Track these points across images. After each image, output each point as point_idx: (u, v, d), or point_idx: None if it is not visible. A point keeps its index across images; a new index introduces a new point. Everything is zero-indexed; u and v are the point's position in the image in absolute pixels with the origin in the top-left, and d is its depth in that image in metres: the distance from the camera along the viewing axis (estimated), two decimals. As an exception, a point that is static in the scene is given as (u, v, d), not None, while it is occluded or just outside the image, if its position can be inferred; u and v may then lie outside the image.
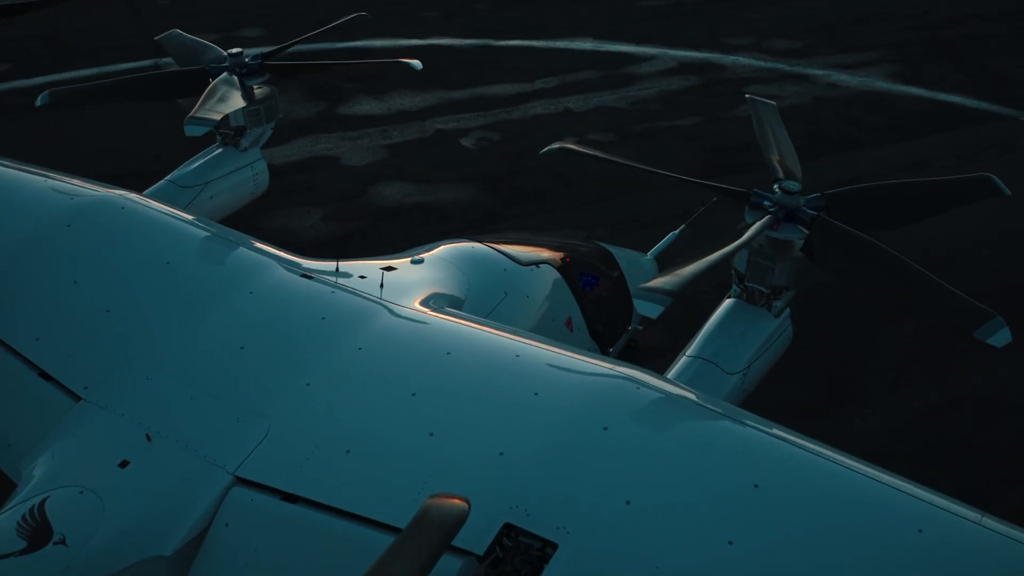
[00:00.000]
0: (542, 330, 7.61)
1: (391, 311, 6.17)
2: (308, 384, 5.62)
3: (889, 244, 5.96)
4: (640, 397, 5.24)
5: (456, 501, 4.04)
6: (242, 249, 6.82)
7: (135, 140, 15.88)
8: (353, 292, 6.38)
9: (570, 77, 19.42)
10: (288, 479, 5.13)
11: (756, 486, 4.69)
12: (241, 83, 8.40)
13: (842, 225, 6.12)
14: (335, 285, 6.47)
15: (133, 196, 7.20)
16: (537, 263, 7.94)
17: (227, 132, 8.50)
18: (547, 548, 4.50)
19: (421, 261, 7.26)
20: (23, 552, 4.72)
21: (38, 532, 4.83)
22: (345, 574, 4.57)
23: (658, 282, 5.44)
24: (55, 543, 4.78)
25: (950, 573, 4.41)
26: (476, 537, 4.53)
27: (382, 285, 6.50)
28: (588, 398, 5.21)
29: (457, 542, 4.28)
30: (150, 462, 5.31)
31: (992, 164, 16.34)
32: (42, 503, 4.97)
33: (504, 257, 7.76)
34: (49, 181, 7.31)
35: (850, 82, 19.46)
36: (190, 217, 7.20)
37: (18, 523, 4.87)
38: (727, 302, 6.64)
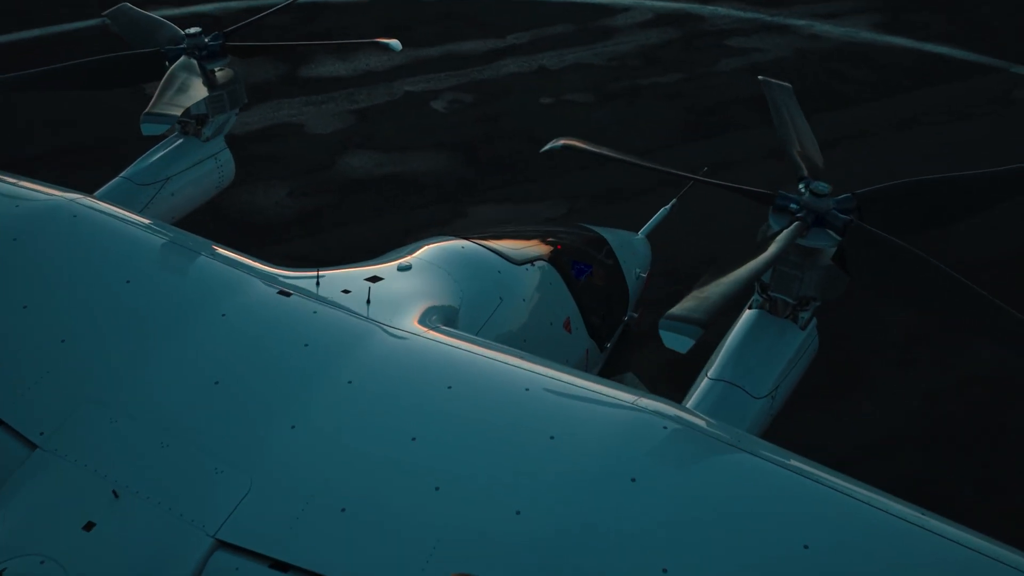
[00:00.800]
0: (541, 336, 7.13)
1: (381, 335, 5.57)
2: (293, 427, 5.04)
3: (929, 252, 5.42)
4: (669, 439, 4.70)
5: None
6: (212, 262, 6.16)
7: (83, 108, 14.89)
8: (337, 310, 5.76)
9: (544, 31, 18.64)
10: (276, 543, 4.60)
11: (806, 547, 4.21)
12: (201, 67, 7.63)
13: (880, 232, 5.55)
14: (317, 300, 5.83)
15: (86, 200, 6.48)
16: (531, 260, 7.37)
17: (187, 121, 7.73)
18: None
19: (408, 268, 6.66)
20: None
21: None
22: None
23: (684, 309, 4.86)
24: None
25: None
26: None
27: (368, 301, 5.88)
28: (611, 442, 4.68)
29: None
30: (119, 523, 4.78)
31: (989, 120, 15.88)
32: None
33: (496, 256, 7.19)
34: None
35: (833, 32, 18.85)
36: (152, 224, 6.52)
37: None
38: (749, 314, 6.05)
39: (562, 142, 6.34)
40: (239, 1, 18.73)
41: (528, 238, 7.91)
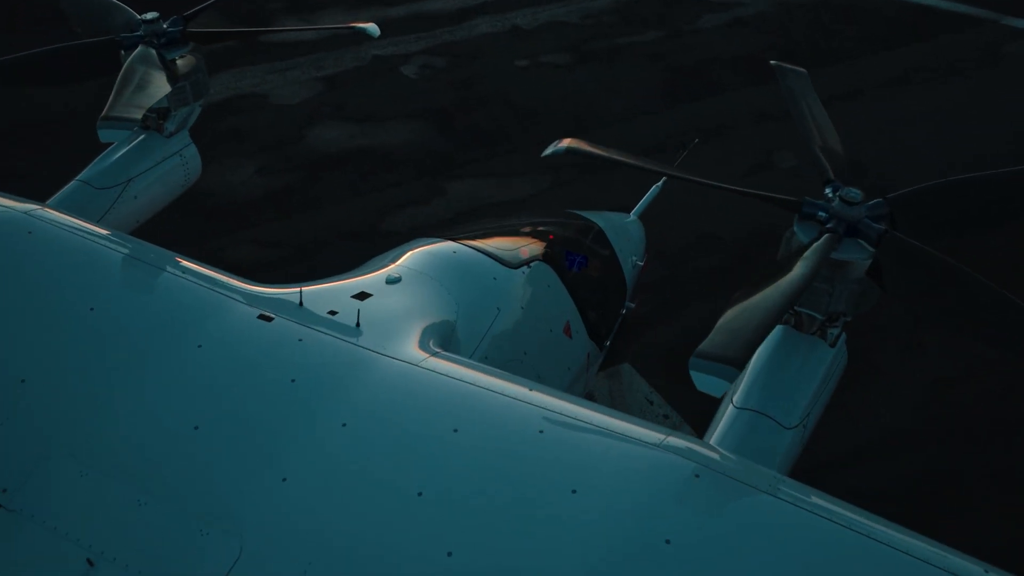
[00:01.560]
0: (542, 345, 6.67)
1: (376, 366, 5.04)
2: (284, 479, 4.52)
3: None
4: (702, 489, 4.24)
5: None
6: (185, 282, 5.57)
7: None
8: (325, 335, 5.23)
9: (516, -13, 17.88)
10: None
11: None
12: (160, 57, 6.94)
13: (919, 244, 5.06)
14: (302, 324, 5.29)
15: (42, 212, 5.84)
16: (526, 262, 6.87)
17: (148, 115, 7.05)
18: None
19: (398, 280, 6.11)
20: None
21: None
22: None
23: (715, 345, 4.35)
24: None
25: None
26: None
27: (358, 324, 5.36)
28: (639, 497, 4.21)
29: None
30: None
31: (983, 75, 15.41)
32: None
33: (489, 260, 6.67)
34: None
35: (815, -16, 18.26)
36: (117, 238, 5.89)
37: None
38: (774, 330, 5.56)
39: (565, 145, 5.78)
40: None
41: (518, 233, 7.39)
